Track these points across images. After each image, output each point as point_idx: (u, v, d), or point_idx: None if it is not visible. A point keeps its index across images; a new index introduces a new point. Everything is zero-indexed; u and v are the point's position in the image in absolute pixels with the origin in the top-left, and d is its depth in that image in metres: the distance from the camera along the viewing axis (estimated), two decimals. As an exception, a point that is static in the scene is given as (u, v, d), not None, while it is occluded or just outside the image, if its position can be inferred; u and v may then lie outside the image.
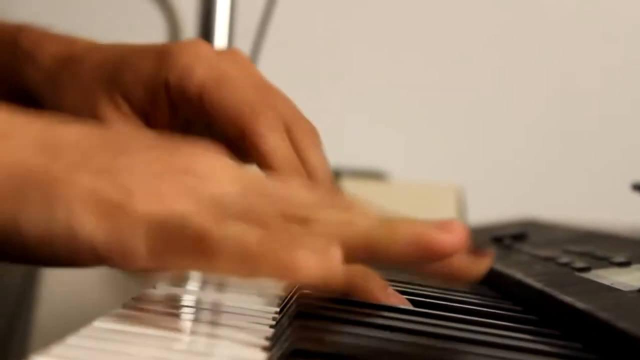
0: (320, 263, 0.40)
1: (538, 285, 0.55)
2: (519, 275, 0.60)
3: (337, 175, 1.44)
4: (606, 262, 0.58)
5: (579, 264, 0.59)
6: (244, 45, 1.34)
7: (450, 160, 1.56)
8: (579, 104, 1.57)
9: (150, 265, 0.42)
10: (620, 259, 0.58)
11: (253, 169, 0.57)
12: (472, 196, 1.46)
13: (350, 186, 1.44)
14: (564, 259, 0.61)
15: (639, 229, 0.77)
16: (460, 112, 1.58)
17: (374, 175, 1.49)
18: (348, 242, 0.43)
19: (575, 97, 1.57)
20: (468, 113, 1.58)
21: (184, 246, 0.41)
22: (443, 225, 0.46)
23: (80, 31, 1.58)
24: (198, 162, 0.45)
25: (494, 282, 0.64)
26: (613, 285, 0.51)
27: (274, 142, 0.59)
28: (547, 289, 0.53)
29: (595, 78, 1.57)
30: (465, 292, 0.60)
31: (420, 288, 0.60)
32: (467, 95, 1.58)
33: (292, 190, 0.47)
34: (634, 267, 0.55)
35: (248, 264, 0.40)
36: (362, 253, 0.44)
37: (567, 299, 0.49)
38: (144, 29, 1.60)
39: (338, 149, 1.51)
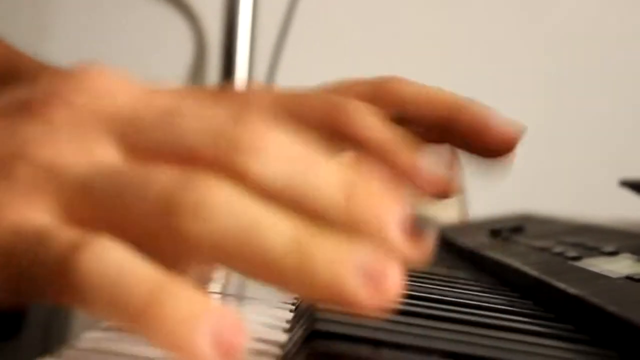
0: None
1: (534, 273, 0.55)
2: (516, 264, 0.60)
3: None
4: (596, 252, 0.58)
5: (572, 253, 0.59)
6: (263, 52, 1.34)
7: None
8: (571, 109, 1.57)
9: (6, 298, 0.31)
10: (609, 249, 0.58)
11: None
12: (473, 193, 1.46)
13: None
14: (558, 249, 0.61)
15: (627, 221, 0.77)
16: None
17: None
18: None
19: (567, 103, 1.57)
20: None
21: (41, 276, 0.29)
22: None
23: (108, 42, 1.59)
24: (55, 115, 0.31)
25: (493, 271, 0.65)
26: (602, 273, 0.51)
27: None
28: (543, 277, 0.53)
29: (585, 82, 1.57)
30: (466, 281, 0.60)
31: (420, 282, 0.59)
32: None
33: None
34: (621, 256, 0.55)
35: (126, 315, 0.27)
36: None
37: (561, 285, 0.49)
38: (171, 40, 1.60)
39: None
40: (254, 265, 0.29)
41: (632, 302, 0.43)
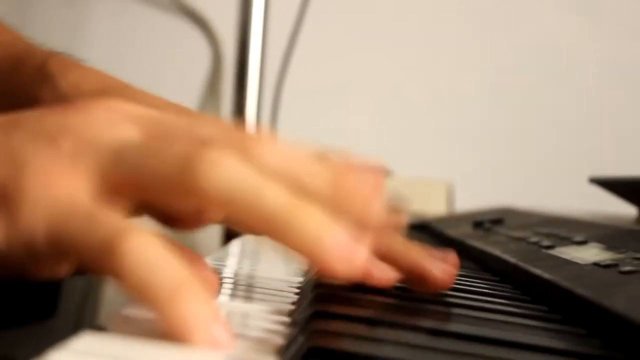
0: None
1: (512, 260, 0.55)
2: (496, 252, 0.60)
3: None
4: (568, 241, 0.58)
5: (546, 242, 0.59)
6: (272, 63, 1.34)
7: (441, 160, 1.56)
8: (546, 115, 1.57)
9: (57, 266, 0.34)
10: (579, 238, 0.58)
11: None
12: (459, 189, 1.46)
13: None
14: (533, 239, 0.61)
15: (595, 214, 0.77)
16: (450, 121, 1.58)
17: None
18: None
19: (541, 110, 1.57)
20: (456, 122, 1.58)
21: (90, 252, 0.31)
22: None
23: (132, 54, 1.59)
24: (92, 111, 0.35)
25: (476, 258, 0.65)
26: (573, 260, 0.51)
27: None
28: (520, 263, 0.53)
29: (556, 90, 1.57)
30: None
31: None
32: (455, 108, 1.58)
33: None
34: (589, 245, 0.55)
35: (152, 303, 0.30)
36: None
37: (536, 271, 0.49)
38: (190, 52, 1.60)
39: (352, 150, 1.51)
40: (253, 216, 0.32)
41: (599, 286, 0.43)
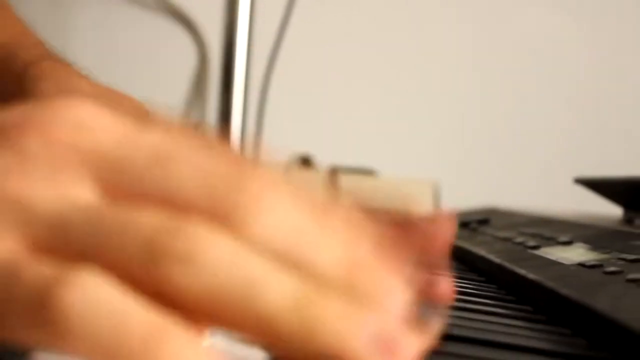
0: None
1: (497, 260, 0.55)
2: (482, 252, 0.60)
3: (335, 172, 1.45)
4: (553, 242, 0.58)
5: (531, 243, 0.59)
6: (259, 64, 1.34)
7: (428, 160, 1.57)
8: (531, 117, 1.58)
9: None
10: (564, 239, 0.58)
11: None
12: (445, 189, 1.47)
13: (346, 181, 1.44)
14: (519, 239, 0.62)
15: (580, 214, 0.77)
16: (436, 123, 1.58)
17: (366, 172, 1.50)
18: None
19: (527, 111, 1.58)
20: (443, 123, 1.58)
21: (16, 315, 0.23)
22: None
23: (116, 53, 1.58)
24: (27, 145, 0.25)
25: (462, 258, 0.65)
26: (558, 260, 0.51)
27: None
28: (505, 263, 0.53)
29: (542, 92, 1.58)
30: None
31: None
32: (441, 110, 1.58)
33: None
34: (574, 245, 0.55)
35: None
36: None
37: (521, 271, 0.49)
38: (176, 52, 1.60)
39: (338, 151, 1.52)
40: (251, 323, 0.23)
41: (584, 286, 0.43)
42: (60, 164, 0.25)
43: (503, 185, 1.54)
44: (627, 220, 0.74)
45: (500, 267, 0.54)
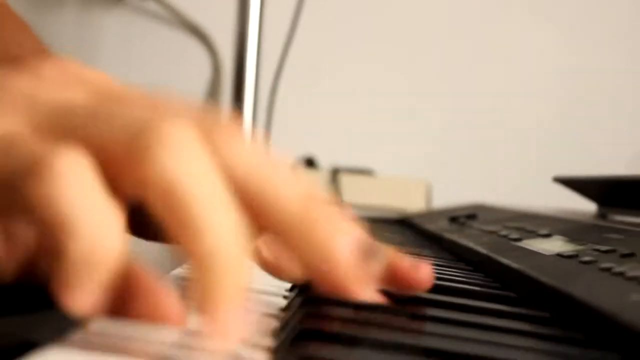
0: None
1: (484, 251, 0.55)
2: (470, 244, 0.60)
3: (337, 172, 1.45)
4: (534, 234, 0.58)
5: (514, 235, 0.59)
6: (267, 72, 1.34)
7: (421, 162, 1.57)
8: (516, 122, 1.58)
9: None
10: (543, 232, 0.58)
11: None
12: (437, 187, 1.47)
13: (346, 180, 1.45)
14: (503, 232, 0.62)
15: (558, 210, 0.77)
16: (429, 128, 1.58)
17: (365, 172, 1.50)
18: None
19: (513, 117, 1.58)
20: (434, 129, 1.58)
21: (9, 179, 0.23)
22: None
23: (136, 65, 1.58)
24: (42, 70, 0.28)
25: (451, 249, 0.65)
26: (538, 251, 0.51)
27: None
28: (491, 254, 0.53)
29: (524, 100, 1.58)
30: (430, 257, 0.60)
31: None
32: (434, 118, 1.58)
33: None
34: (553, 237, 0.55)
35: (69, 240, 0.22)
36: None
37: (505, 261, 0.49)
38: (192, 62, 1.60)
39: (339, 153, 1.52)
40: (186, 220, 0.23)
41: (561, 274, 0.43)
42: (65, 81, 0.28)
43: (489, 183, 1.54)
44: (601, 215, 0.74)
45: (486, 257, 0.54)
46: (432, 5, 1.58)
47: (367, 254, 0.26)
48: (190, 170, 0.23)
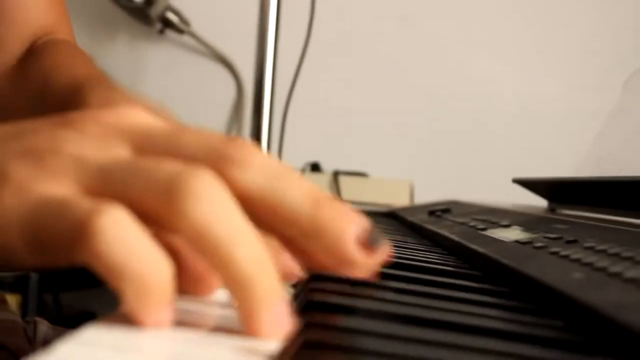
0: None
1: (456, 238, 0.55)
2: (445, 232, 0.60)
3: (337, 174, 1.45)
4: (496, 225, 0.58)
5: (481, 226, 0.59)
6: (281, 94, 1.35)
7: (405, 166, 1.57)
8: (481, 134, 1.58)
9: (37, 263, 0.24)
10: (504, 223, 0.58)
11: None
12: (418, 187, 1.47)
13: (345, 181, 1.45)
14: (472, 223, 0.62)
15: (516, 205, 0.77)
16: (412, 139, 1.58)
17: (360, 175, 1.50)
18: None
19: (480, 129, 1.58)
20: (416, 139, 1.58)
21: (62, 239, 0.23)
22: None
23: (175, 88, 1.59)
24: (86, 127, 0.26)
25: (430, 237, 0.65)
26: (500, 239, 0.51)
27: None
28: (461, 241, 0.53)
29: (488, 115, 1.58)
30: (413, 244, 0.60)
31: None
32: (416, 131, 1.58)
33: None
34: (512, 227, 0.55)
35: (122, 283, 0.22)
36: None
37: (472, 246, 0.49)
38: (219, 87, 1.60)
39: (340, 159, 1.52)
40: (221, 266, 0.23)
41: (518, 257, 0.43)
42: (107, 138, 0.26)
43: (461, 184, 1.54)
44: (551, 209, 0.74)
45: (458, 244, 0.54)
46: (417, 42, 1.58)
47: (372, 239, 0.26)
48: (216, 217, 0.23)
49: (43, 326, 0.63)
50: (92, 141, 0.25)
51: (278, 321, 0.24)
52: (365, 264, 0.25)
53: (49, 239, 0.23)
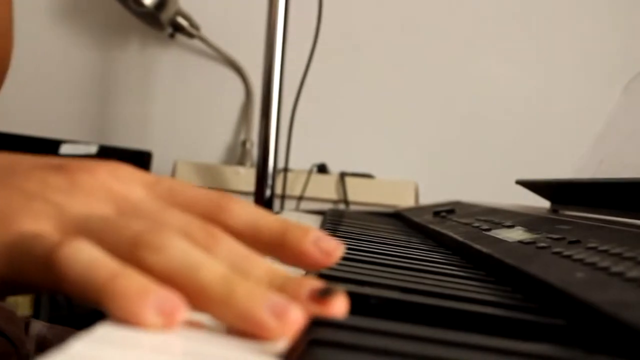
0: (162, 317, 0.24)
1: (460, 238, 0.55)
2: (449, 233, 0.60)
3: (344, 176, 1.46)
4: (500, 225, 0.58)
5: (484, 226, 0.59)
6: (288, 98, 1.35)
7: (410, 168, 1.57)
8: (485, 136, 1.58)
9: (14, 288, 0.27)
10: (508, 223, 0.58)
11: None
12: (423, 188, 1.47)
13: (351, 182, 1.45)
14: (476, 224, 0.62)
15: (519, 206, 0.77)
16: (416, 141, 1.58)
17: (366, 176, 1.50)
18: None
19: (484, 133, 1.58)
20: (421, 142, 1.58)
21: (35, 266, 0.25)
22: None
23: (185, 91, 1.59)
24: (78, 178, 0.29)
25: (435, 237, 0.65)
26: (503, 239, 0.51)
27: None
28: (466, 241, 0.53)
29: (493, 117, 1.57)
30: (418, 244, 0.60)
31: (390, 245, 0.59)
32: (421, 134, 1.58)
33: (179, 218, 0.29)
34: (515, 228, 0.55)
35: (92, 293, 0.24)
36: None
37: (477, 246, 0.50)
38: (229, 90, 1.61)
39: (346, 161, 1.52)
40: (193, 293, 0.25)
41: (522, 257, 0.43)
42: (95, 194, 0.29)
43: (465, 185, 1.54)
44: (553, 210, 0.74)
45: (462, 244, 0.54)
46: (422, 46, 1.58)
47: (324, 243, 0.30)
48: (182, 255, 0.26)
49: (37, 324, 0.64)
50: (80, 196, 0.28)
51: (278, 314, 0.24)
52: (323, 262, 0.30)
53: (25, 265, 0.25)
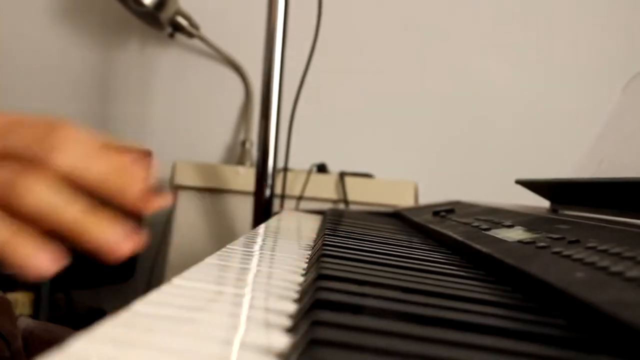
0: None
1: (460, 238, 0.55)
2: (449, 233, 0.60)
3: (343, 175, 1.45)
4: (500, 225, 0.58)
5: (484, 226, 0.59)
6: (288, 98, 1.35)
7: (410, 168, 1.57)
8: (485, 136, 1.58)
9: None
10: (507, 223, 0.58)
11: None
12: (423, 188, 1.47)
13: (351, 182, 1.45)
14: (475, 224, 0.62)
15: (519, 206, 0.77)
16: (416, 141, 1.58)
17: (366, 176, 1.50)
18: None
19: (483, 133, 1.58)
20: (421, 142, 1.58)
21: None
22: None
23: (185, 91, 1.59)
24: None
25: (435, 237, 0.65)
26: (503, 238, 0.51)
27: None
28: (465, 241, 0.53)
29: (492, 118, 1.57)
30: (418, 244, 0.60)
31: (391, 245, 0.59)
32: (421, 133, 1.58)
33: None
34: (515, 228, 0.55)
35: None
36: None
37: (477, 246, 0.50)
38: (229, 90, 1.61)
39: (346, 161, 1.52)
40: (60, 226, 0.31)
41: (521, 257, 0.43)
42: None
43: (465, 185, 1.54)
44: (553, 210, 0.74)
45: (462, 243, 0.54)
46: (422, 46, 1.58)
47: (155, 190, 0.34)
48: (48, 199, 0.32)
49: (25, 318, 0.65)
50: None
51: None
52: (150, 204, 0.33)
53: None
